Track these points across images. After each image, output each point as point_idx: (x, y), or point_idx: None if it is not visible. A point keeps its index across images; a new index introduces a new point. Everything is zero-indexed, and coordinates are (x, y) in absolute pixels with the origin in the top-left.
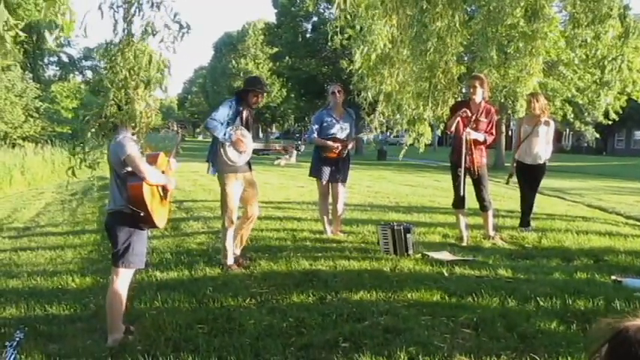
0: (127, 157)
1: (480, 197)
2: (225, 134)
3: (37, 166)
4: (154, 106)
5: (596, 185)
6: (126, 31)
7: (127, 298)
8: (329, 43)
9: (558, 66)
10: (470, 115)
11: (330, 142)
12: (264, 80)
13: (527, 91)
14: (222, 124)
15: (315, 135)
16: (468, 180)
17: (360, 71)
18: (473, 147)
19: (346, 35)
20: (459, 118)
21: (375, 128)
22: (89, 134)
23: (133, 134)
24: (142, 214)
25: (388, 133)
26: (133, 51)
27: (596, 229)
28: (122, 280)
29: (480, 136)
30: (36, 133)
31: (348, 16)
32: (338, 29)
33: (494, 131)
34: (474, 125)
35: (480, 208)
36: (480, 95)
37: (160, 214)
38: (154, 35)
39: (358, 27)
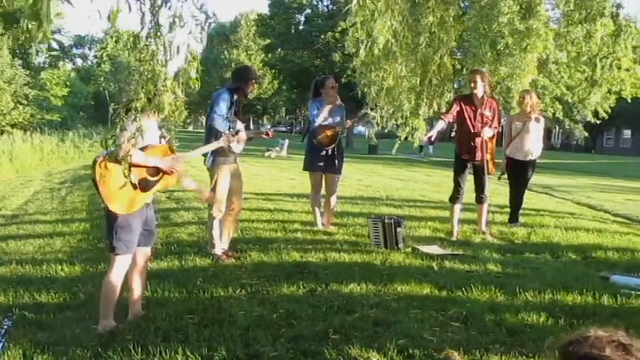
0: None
1: (480, 189)
2: (230, 128)
3: (25, 153)
4: (182, 97)
5: (585, 183)
6: (153, 22)
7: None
8: (322, 36)
9: (548, 64)
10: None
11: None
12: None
13: (521, 87)
14: (225, 118)
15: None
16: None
17: (365, 66)
18: (487, 144)
19: (352, 33)
20: (434, 132)
21: (377, 123)
22: (119, 128)
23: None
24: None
25: (380, 127)
26: (161, 42)
27: (584, 226)
28: (115, 267)
29: (490, 133)
30: (25, 120)
31: (367, 12)
32: (358, 24)
33: (497, 125)
34: (480, 119)
35: (476, 200)
36: (481, 89)
37: (118, 199)
38: (182, 27)
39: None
